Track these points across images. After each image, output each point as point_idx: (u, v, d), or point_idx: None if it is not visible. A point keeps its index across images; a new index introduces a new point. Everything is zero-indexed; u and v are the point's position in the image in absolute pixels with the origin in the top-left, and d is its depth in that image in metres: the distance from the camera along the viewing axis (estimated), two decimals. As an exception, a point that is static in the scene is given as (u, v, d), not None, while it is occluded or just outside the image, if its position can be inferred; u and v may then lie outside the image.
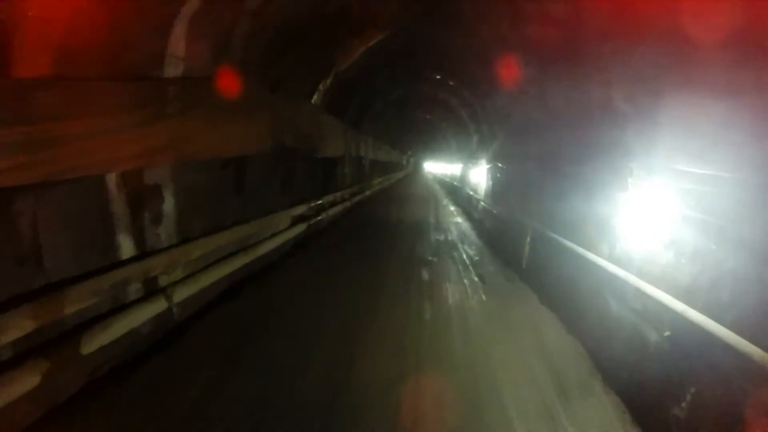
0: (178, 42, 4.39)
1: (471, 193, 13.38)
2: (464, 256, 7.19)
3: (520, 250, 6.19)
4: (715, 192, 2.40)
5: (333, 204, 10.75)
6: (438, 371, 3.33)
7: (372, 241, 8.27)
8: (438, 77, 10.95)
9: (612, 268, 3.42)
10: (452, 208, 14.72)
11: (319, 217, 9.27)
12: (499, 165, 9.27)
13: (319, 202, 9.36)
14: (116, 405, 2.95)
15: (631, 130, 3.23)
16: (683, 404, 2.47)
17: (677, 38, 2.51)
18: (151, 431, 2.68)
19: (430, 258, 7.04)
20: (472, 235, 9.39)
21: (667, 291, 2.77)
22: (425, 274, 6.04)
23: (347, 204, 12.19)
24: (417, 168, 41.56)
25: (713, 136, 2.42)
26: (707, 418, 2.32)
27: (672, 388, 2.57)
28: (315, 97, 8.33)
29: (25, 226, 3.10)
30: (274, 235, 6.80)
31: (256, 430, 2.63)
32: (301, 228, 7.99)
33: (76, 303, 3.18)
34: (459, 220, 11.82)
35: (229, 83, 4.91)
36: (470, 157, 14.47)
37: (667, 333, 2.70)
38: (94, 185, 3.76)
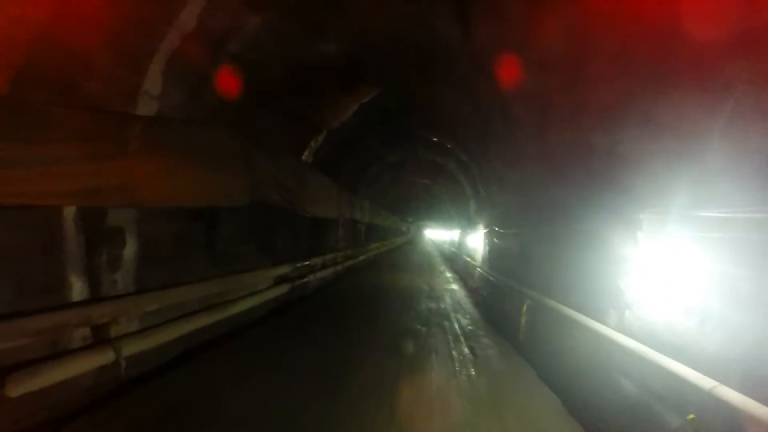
0: (154, 80, 4.17)
1: (468, 259, 12.86)
2: (456, 326, 6.53)
3: (516, 320, 5.56)
4: (745, 237, 1.93)
5: (323, 266, 10.22)
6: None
7: (356, 314, 7.60)
8: (434, 139, 10.88)
9: (622, 339, 2.85)
10: (448, 274, 14.10)
11: (306, 279, 8.70)
12: (496, 229, 8.85)
13: (306, 263, 8.83)
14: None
15: (640, 175, 2.82)
16: None
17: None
18: None
19: (418, 327, 6.39)
20: (467, 303, 8.75)
21: (690, 366, 2.22)
22: (410, 347, 5.37)
23: (339, 268, 11.64)
24: (417, 234, 41.27)
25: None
26: None
27: None
28: (306, 153, 8.12)
29: None
30: (250, 295, 6.22)
31: None
32: (283, 289, 7.41)
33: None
34: (454, 287, 11.20)
35: (201, 128, 4.63)
36: (468, 223, 14.12)
37: (691, 416, 2.10)
38: (43, 217, 3.40)
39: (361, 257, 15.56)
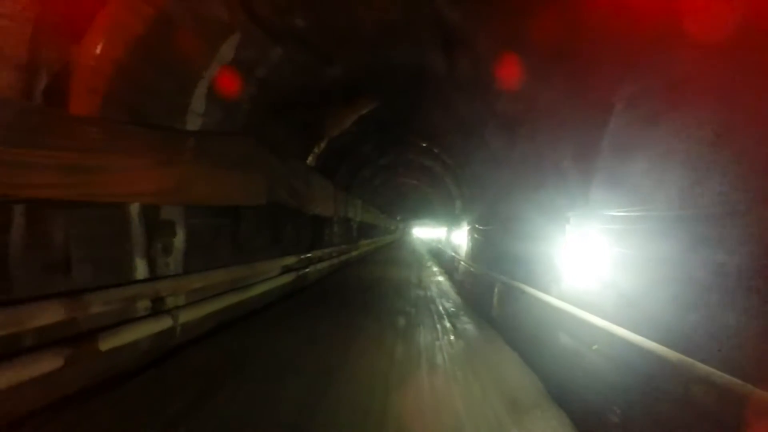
0: (199, 100, 5.19)
1: (453, 254, 13.99)
2: (441, 309, 7.64)
3: (490, 300, 6.70)
4: (631, 228, 3.05)
5: (320, 259, 11.24)
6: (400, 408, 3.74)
7: (355, 297, 8.69)
8: (424, 145, 11.98)
9: (559, 303, 3.98)
10: (435, 268, 15.25)
11: (307, 269, 9.74)
12: (477, 227, 9.98)
13: (308, 255, 9.87)
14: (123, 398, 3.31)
15: (573, 186, 3.94)
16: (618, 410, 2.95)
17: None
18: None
19: (408, 309, 7.48)
20: (451, 292, 9.87)
21: (600, 316, 3.33)
22: (401, 322, 6.47)
23: (334, 261, 12.69)
24: (406, 233, 42.35)
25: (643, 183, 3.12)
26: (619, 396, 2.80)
27: (610, 397, 3.05)
28: (310, 158, 9.15)
29: (60, 237, 3.68)
30: (264, 281, 7.24)
31: None
32: (289, 278, 8.44)
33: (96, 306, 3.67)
34: (440, 279, 12.32)
35: (232, 139, 5.66)
36: (454, 221, 15.28)
37: (594, 347, 3.22)
38: (118, 212, 4.41)
39: (354, 253, 16.61)
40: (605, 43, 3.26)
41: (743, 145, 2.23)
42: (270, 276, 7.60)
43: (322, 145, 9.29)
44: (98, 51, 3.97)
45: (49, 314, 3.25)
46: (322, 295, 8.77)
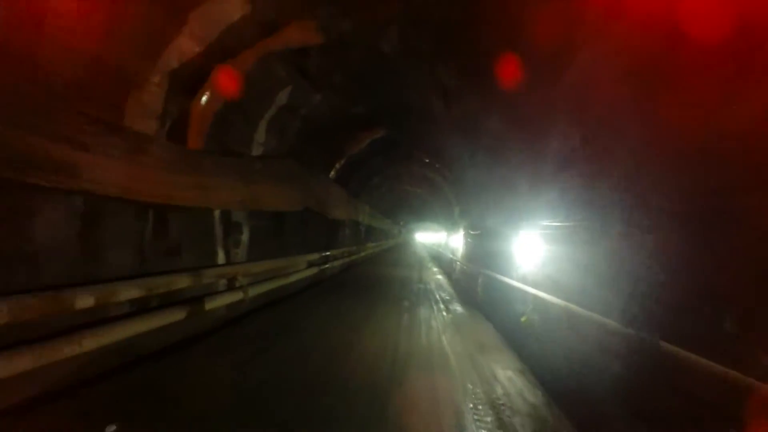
0: (261, 132, 7.07)
1: (451, 256, 15.85)
2: (437, 297, 9.47)
3: (476, 288, 8.55)
4: (557, 233, 4.90)
5: (335, 258, 13.08)
6: (408, 350, 5.59)
7: (367, 287, 10.55)
8: (426, 160, 13.85)
9: (515, 283, 5.82)
10: (435, 269, 17.09)
11: (326, 265, 11.59)
12: (470, 232, 11.84)
13: (327, 253, 11.72)
14: (229, 339, 5.17)
15: (525, 206, 5.80)
16: (537, 335, 4.78)
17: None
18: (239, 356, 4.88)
19: (411, 296, 9.32)
20: (447, 286, 11.71)
21: (538, 290, 5.18)
22: (406, 303, 8.31)
23: (346, 260, 14.53)
24: (409, 237, 44.07)
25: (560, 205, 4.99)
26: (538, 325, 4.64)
27: (535, 334, 4.90)
28: (332, 172, 11.04)
29: (175, 232, 5.52)
30: (296, 272, 9.09)
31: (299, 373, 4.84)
32: (313, 271, 10.29)
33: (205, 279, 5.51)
34: (439, 277, 14.15)
35: (281, 161, 7.54)
36: (452, 227, 17.15)
37: (524, 318, 5.09)
38: (195, 215, 6.25)
39: (362, 254, 18.45)
40: (538, 121, 5.12)
41: (600, 191, 4.06)
42: (299, 269, 9.44)
43: (342, 161, 11.18)
44: (204, 104, 5.84)
45: (182, 281, 5.08)
46: (340, 286, 10.63)
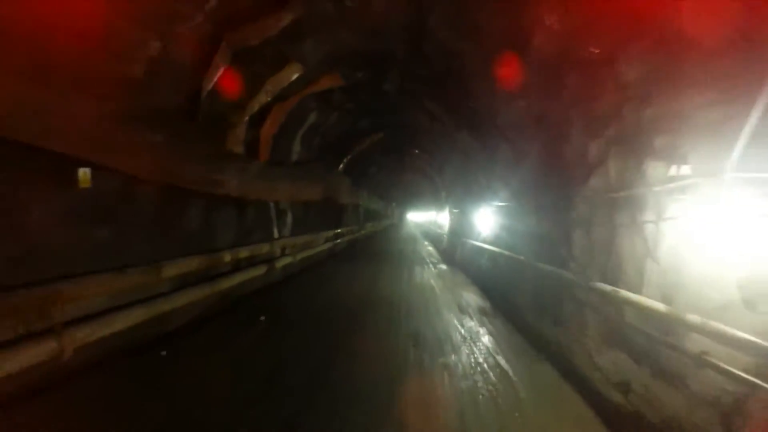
0: (297, 145, 9.80)
1: (439, 230, 18.80)
2: (427, 261, 12.41)
3: (456, 253, 11.48)
4: (505, 210, 7.79)
5: (343, 235, 15.96)
6: (402, 296, 8.50)
7: (374, 254, 13.50)
8: (416, 152, 16.62)
9: (479, 244, 8.74)
10: (426, 242, 20.09)
11: (338, 241, 14.46)
12: (453, 211, 14.74)
13: (338, 231, 14.59)
14: (289, 288, 8.04)
15: (485, 191, 8.66)
16: (490, 270, 7.72)
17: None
18: (299, 297, 7.75)
19: (408, 260, 12.25)
20: (435, 253, 14.69)
21: (490, 244, 8.09)
22: (405, 263, 11.24)
23: (350, 237, 17.40)
24: (401, 217, 46.93)
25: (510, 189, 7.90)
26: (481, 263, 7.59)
27: (487, 273, 7.85)
28: (341, 167, 13.82)
29: (247, 219, 8.30)
30: (318, 245, 11.94)
31: (343, 296, 7.73)
32: (328, 245, 13.15)
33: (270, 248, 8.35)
34: (430, 248, 17.13)
35: (309, 165, 10.31)
36: (440, 206, 20.08)
37: (486, 255, 8.02)
38: (260, 206, 9.00)
39: (362, 232, 21.31)
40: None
41: (521, 185, 6.92)
42: (320, 243, 12.29)
43: (348, 157, 13.94)
44: (267, 130, 8.54)
45: (265, 249, 7.89)
46: (351, 256, 13.53)
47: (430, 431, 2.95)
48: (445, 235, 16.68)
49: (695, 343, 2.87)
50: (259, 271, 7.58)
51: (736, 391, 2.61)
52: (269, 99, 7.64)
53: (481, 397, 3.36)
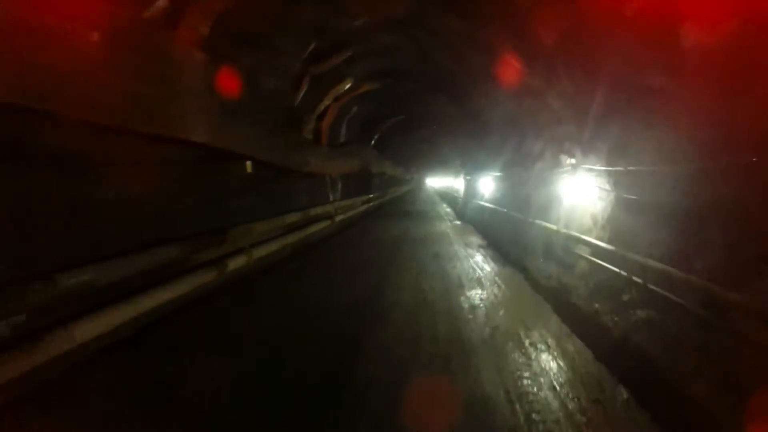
0: (344, 130, 12.92)
1: (455, 195, 21.87)
2: (444, 218, 15.59)
3: (467, 212, 14.62)
4: (497, 178, 10.87)
5: (372, 200, 19.20)
6: (425, 237, 11.73)
7: (401, 213, 16.76)
8: (434, 127, 19.50)
9: (484, 204, 11.85)
10: (444, 204, 23.24)
11: (370, 204, 17.72)
12: (466, 177, 17.76)
13: (370, 196, 17.82)
14: (335, 242, 11.38)
15: (486, 164, 11.68)
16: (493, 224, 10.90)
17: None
18: (346, 244, 11.06)
19: (428, 218, 15.45)
20: (450, 211, 17.88)
21: (488, 203, 11.21)
22: (425, 219, 14.46)
23: (377, 201, 20.65)
24: (420, 182, 49.93)
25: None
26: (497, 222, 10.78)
27: (488, 225, 11.05)
28: (372, 143, 16.89)
29: (315, 187, 11.59)
30: (357, 207, 15.19)
31: (376, 243, 11.00)
32: (364, 206, 16.40)
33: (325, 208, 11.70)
34: (447, 210, 20.28)
35: (351, 145, 13.43)
36: (455, 173, 23.08)
37: (487, 211, 11.19)
38: (321, 177, 12.24)
39: (387, 197, 24.53)
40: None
41: (514, 157, 9.93)
42: (357, 206, 15.54)
43: (377, 136, 16.97)
44: (326, 122, 11.64)
45: (328, 208, 11.16)
46: (381, 215, 16.82)
47: (446, 281, 6.19)
48: (459, 198, 19.74)
49: (578, 248, 6.01)
50: (326, 224, 10.87)
51: (588, 266, 5.77)
52: (329, 102, 10.72)
53: (474, 276, 6.59)
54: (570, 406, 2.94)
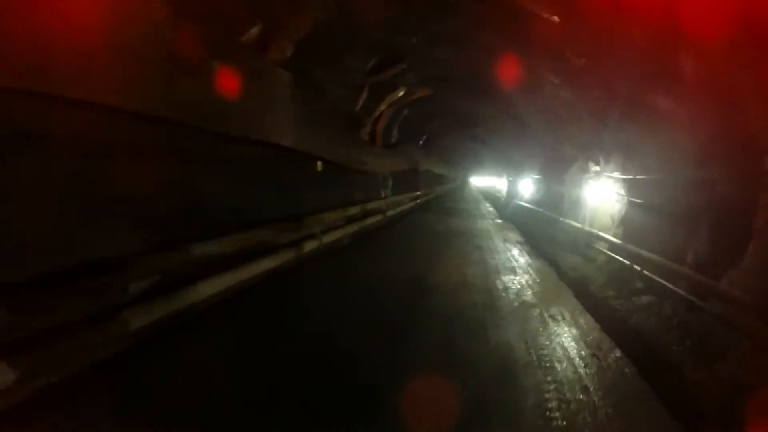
0: (395, 131, 14.10)
1: (497, 195, 22.61)
2: (486, 215, 16.47)
3: (508, 211, 15.45)
4: (536, 180, 11.74)
5: (419, 197, 20.30)
6: (469, 232, 12.72)
7: (445, 210, 17.80)
8: (480, 129, 20.30)
9: (523, 203, 12.70)
10: (486, 203, 24.00)
11: (417, 201, 18.85)
12: (509, 179, 18.53)
13: (417, 193, 18.96)
14: (382, 233, 12.61)
15: (526, 168, 12.52)
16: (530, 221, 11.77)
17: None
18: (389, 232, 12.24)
19: (471, 216, 16.40)
20: (493, 211, 18.69)
21: (527, 203, 12.07)
22: (469, 217, 15.43)
23: (424, 198, 21.72)
24: (465, 180, 50.38)
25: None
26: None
27: (526, 224, 11.94)
28: (420, 143, 17.99)
29: (369, 184, 12.84)
30: (404, 203, 16.35)
31: (428, 227, 12.12)
32: (411, 203, 17.55)
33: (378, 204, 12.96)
34: (490, 209, 21.06)
35: (401, 145, 14.59)
36: (499, 174, 23.78)
37: (525, 210, 12.06)
38: (374, 175, 13.48)
39: (432, 195, 25.54)
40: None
41: (547, 167, 10.75)
42: (405, 202, 16.69)
43: (425, 136, 18.04)
44: (380, 125, 12.86)
45: (380, 203, 12.39)
46: (427, 211, 17.90)
47: (485, 267, 7.22)
48: (502, 198, 20.50)
49: (599, 243, 6.91)
50: (379, 217, 12.12)
51: (605, 259, 6.66)
52: (384, 107, 11.92)
53: (509, 266, 7.59)
54: (571, 354, 3.97)
